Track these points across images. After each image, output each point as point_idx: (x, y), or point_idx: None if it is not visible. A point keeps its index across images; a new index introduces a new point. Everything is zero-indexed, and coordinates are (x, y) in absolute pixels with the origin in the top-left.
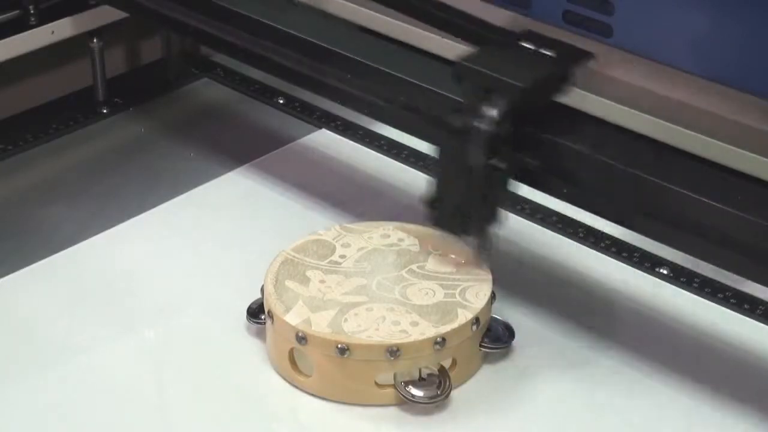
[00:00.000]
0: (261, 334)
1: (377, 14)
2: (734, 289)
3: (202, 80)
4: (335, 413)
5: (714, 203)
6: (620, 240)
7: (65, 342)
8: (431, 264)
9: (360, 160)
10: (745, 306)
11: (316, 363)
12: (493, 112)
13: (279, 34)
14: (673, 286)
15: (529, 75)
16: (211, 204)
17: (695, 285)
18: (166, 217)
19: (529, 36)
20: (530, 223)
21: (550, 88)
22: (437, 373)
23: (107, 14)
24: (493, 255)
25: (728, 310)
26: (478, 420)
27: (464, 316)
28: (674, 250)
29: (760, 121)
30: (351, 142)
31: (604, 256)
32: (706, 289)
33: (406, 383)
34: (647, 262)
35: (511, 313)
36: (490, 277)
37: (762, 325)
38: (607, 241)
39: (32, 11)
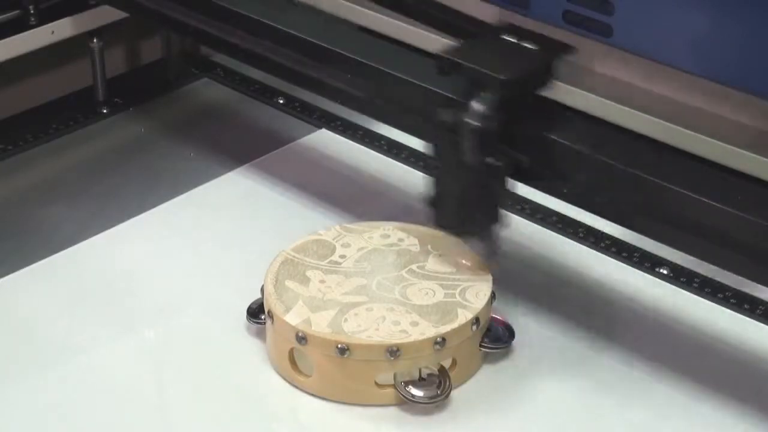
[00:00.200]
0: (261, 334)
1: (368, 11)
2: (734, 289)
3: (202, 80)
4: (335, 413)
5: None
6: (620, 240)
7: (65, 342)
8: (431, 264)
9: (360, 160)
10: (745, 306)
11: (316, 363)
12: (479, 106)
13: (279, 34)
14: (673, 286)
15: (516, 68)
16: (211, 204)
17: (695, 285)
18: (166, 217)
19: (511, 29)
20: (530, 223)
21: (537, 81)
22: (437, 373)
23: (107, 14)
24: (499, 258)
25: (728, 310)
26: (478, 420)
27: (464, 316)
28: (674, 250)
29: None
30: (351, 142)
31: (604, 256)
32: (706, 289)
33: (406, 383)
34: (647, 262)
35: (511, 313)
36: (490, 277)
37: (762, 325)
38: (607, 241)
39: (32, 11)
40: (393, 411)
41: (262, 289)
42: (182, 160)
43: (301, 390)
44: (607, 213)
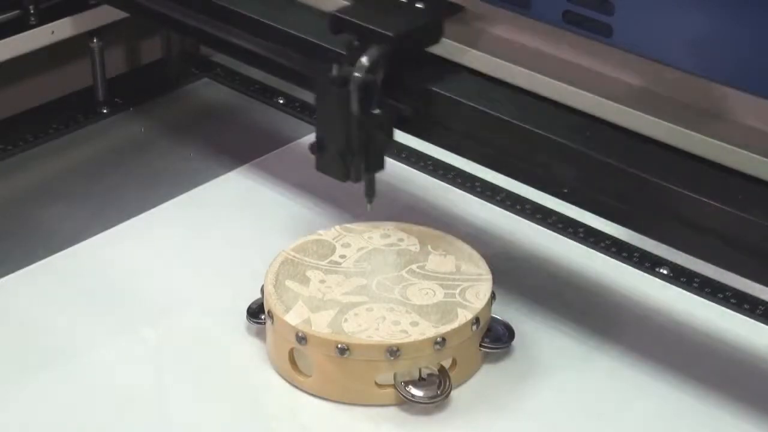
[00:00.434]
0: (261, 334)
1: None
2: (734, 289)
3: (202, 80)
4: (335, 413)
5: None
6: (620, 240)
7: (65, 342)
8: (431, 264)
9: None
10: (745, 306)
11: (316, 363)
12: (365, 60)
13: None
14: (673, 286)
15: (400, 25)
16: (211, 204)
17: (695, 285)
18: (166, 217)
19: None
20: (530, 223)
21: (422, 39)
22: (437, 373)
23: (107, 14)
24: (375, 200)
25: (728, 310)
26: (478, 420)
27: (464, 316)
28: (674, 250)
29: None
30: None
31: (604, 256)
32: (706, 289)
33: (406, 383)
34: (647, 262)
35: (511, 313)
36: (490, 277)
37: (762, 325)
38: (607, 241)
39: (32, 11)
40: (393, 411)
41: (262, 289)
42: (182, 160)
43: (301, 390)
44: (605, 212)
